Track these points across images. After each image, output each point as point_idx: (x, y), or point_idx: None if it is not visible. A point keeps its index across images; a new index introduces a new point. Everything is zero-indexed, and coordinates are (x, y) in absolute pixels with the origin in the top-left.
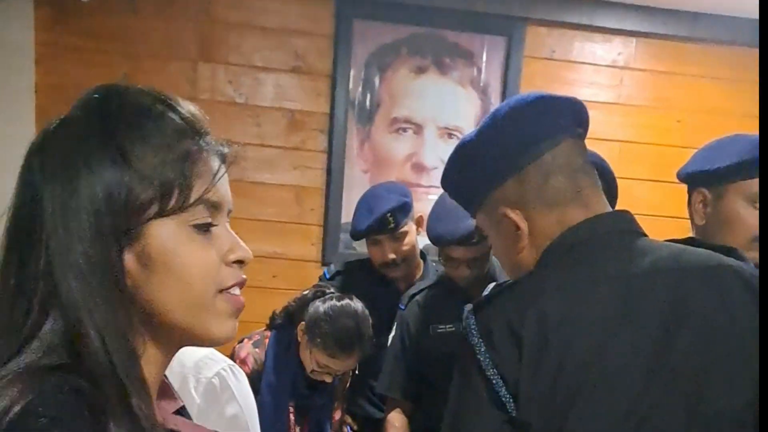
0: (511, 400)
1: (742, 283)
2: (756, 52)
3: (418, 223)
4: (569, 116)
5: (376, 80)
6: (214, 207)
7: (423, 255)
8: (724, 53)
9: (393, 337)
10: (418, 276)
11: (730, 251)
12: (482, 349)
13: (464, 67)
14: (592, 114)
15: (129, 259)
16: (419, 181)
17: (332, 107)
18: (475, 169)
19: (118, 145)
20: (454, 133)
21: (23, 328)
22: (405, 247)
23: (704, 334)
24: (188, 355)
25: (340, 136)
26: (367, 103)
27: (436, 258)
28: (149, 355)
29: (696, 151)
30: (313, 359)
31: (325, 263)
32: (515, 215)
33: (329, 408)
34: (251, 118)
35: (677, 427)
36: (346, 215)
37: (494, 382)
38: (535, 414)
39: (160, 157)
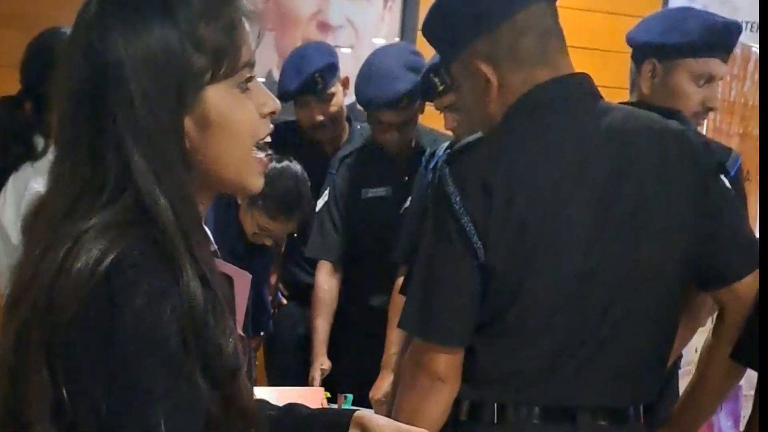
0: (481, 247)
1: (680, 146)
2: None
3: (344, 83)
4: None
5: None
6: (252, 66)
7: (349, 118)
8: None
9: (323, 201)
10: (344, 139)
11: (673, 114)
12: (457, 199)
13: None
14: None
15: (188, 123)
16: (325, 40)
17: None
18: (453, 23)
19: (169, 11)
20: None
21: (101, 199)
22: (333, 108)
23: (644, 192)
24: None
25: None
26: None
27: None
28: (199, 205)
29: (647, 18)
30: (254, 222)
31: None
32: (486, 69)
33: (267, 272)
34: None
35: (620, 276)
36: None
37: (467, 229)
38: (501, 260)
39: (211, 26)
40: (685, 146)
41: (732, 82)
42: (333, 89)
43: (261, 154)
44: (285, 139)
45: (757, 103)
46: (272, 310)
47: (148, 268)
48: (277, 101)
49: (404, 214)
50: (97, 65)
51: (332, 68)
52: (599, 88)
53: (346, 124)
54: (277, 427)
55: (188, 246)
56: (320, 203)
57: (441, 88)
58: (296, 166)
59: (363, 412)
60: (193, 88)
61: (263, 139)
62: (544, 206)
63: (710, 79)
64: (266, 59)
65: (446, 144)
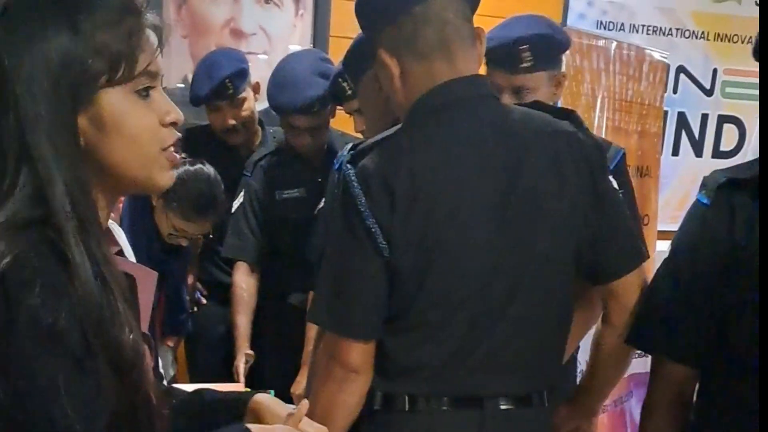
0: (386, 246)
1: (571, 146)
2: None
3: (255, 89)
4: None
5: None
6: (152, 75)
7: (261, 122)
8: None
9: (239, 202)
10: (257, 143)
11: (568, 115)
12: (362, 200)
13: None
14: None
15: (83, 122)
16: (239, 47)
17: None
18: (364, 17)
19: (71, 19)
20: None
21: (1, 185)
22: (244, 113)
23: (539, 189)
24: None
25: (156, 0)
26: None
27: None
28: (100, 204)
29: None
30: (170, 223)
31: None
32: (390, 61)
33: (184, 272)
34: None
35: (519, 271)
36: (166, 81)
37: (372, 229)
38: (405, 258)
39: (110, 33)
40: (576, 146)
41: (628, 82)
42: (244, 94)
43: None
44: (199, 143)
45: (653, 101)
46: (192, 310)
47: (43, 269)
48: (180, 112)
49: (319, 215)
50: (0, 65)
51: (242, 74)
52: None
53: (259, 128)
54: (184, 410)
55: (84, 242)
56: (235, 205)
57: (349, 92)
58: (209, 169)
59: (261, 397)
60: (88, 89)
61: (170, 146)
62: (446, 205)
63: (514, 90)
64: (181, 65)
65: (349, 145)
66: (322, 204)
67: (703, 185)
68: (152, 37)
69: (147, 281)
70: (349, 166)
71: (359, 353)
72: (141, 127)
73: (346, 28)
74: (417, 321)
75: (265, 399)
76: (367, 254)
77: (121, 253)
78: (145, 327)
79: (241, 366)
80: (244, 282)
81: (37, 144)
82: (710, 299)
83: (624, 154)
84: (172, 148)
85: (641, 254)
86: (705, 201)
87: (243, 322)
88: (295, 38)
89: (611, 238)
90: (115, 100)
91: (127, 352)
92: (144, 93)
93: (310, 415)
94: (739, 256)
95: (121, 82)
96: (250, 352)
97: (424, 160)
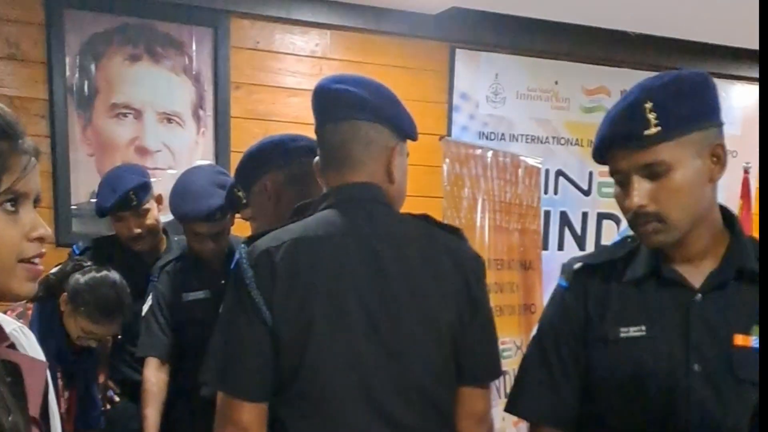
0: (270, 316)
1: (449, 251)
2: (432, 44)
3: (158, 200)
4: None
5: (92, 67)
6: (18, 194)
7: (165, 231)
8: (407, 45)
9: (148, 305)
10: (162, 250)
11: (455, 229)
12: (249, 274)
13: (176, 55)
14: (297, 101)
15: None
16: (144, 163)
17: (51, 93)
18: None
19: None
20: (173, 117)
21: None
22: (149, 221)
23: (413, 277)
24: None
25: (62, 122)
26: (85, 89)
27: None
28: None
29: None
30: (78, 326)
31: (59, 244)
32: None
33: (94, 371)
34: None
35: (393, 342)
36: (75, 197)
37: (257, 300)
38: (285, 329)
39: None
40: (456, 252)
41: (506, 186)
42: (147, 205)
43: (36, 261)
44: (106, 252)
45: (530, 202)
46: (105, 407)
47: None
48: (48, 230)
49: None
50: None
51: (145, 187)
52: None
53: (164, 237)
54: None
55: None
56: (145, 308)
57: (244, 201)
58: (114, 275)
59: None
60: None
61: (31, 258)
62: (323, 281)
63: None
64: (88, 181)
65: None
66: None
67: (563, 270)
68: (25, 160)
69: (36, 369)
70: (242, 246)
71: (249, 413)
72: (1, 239)
73: (245, 144)
74: (300, 391)
75: None
76: (253, 322)
77: (12, 346)
78: (35, 412)
79: None
80: (153, 377)
81: None
82: (575, 370)
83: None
84: (38, 260)
85: (498, 373)
86: (564, 284)
87: (151, 413)
88: (198, 154)
89: (478, 344)
90: None
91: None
92: (9, 207)
93: None
94: (590, 332)
95: None
96: None
97: (309, 244)
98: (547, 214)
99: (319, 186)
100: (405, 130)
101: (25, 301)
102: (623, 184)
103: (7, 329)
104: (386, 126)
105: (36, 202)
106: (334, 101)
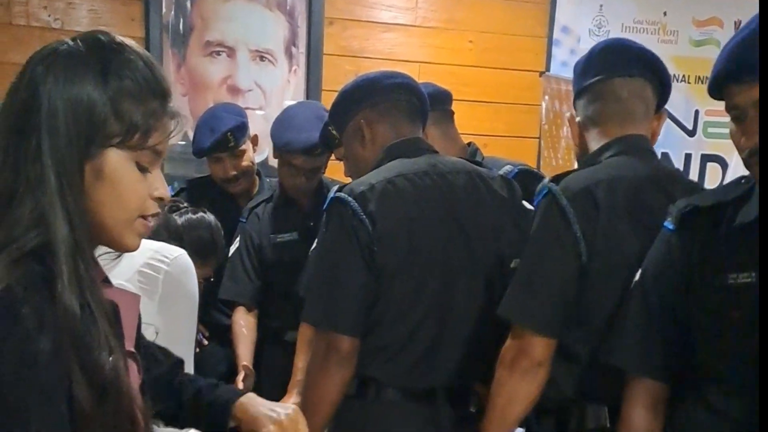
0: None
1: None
2: None
3: (254, 141)
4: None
5: (188, 4)
6: (158, 153)
7: (259, 172)
8: None
9: (235, 247)
10: (254, 192)
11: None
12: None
13: None
14: (391, 36)
15: (88, 168)
16: (236, 102)
17: (147, 31)
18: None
19: (106, 82)
20: (266, 55)
21: (11, 201)
22: (244, 163)
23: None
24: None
25: (157, 61)
26: (181, 27)
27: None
28: None
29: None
30: None
31: None
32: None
33: None
34: None
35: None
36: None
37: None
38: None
39: (133, 105)
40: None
41: None
42: (244, 146)
43: (150, 221)
44: (200, 192)
45: None
46: (195, 350)
47: (29, 299)
48: (167, 192)
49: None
50: (34, 100)
51: (243, 127)
52: (491, 137)
53: (257, 179)
54: (181, 391)
55: (75, 267)
56: (232, 249)
57: (338, 140)
58: (210, 217)
59: (245, 400)
60: (101, 141)
61: (149, 216)
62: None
63: None
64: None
65: (336, 187)
66: (314, 246)
67: (669, 213)
68: (168, 122)
69: (131, 304)
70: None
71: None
72: (132, 192)
73: (337, 82)
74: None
75: (250, 401)
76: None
77: (106, 279)
78: (131, 346)
79: (240, 382)
80: (243, 320)
81: (48, 171)
82: (675, 317)
83: (518, 171)
84: (151, 218)
85: None
86: (670, 227)
87: (244, 351)
88: (289, 93)
89: None
90: (119, 160)
91: (105, 373)
92: (144, 167)
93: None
94: (694, 277)
95: (129, 149)
96: (250, 367)
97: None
98: None
99: (410, 125)
100: (666, 99)
101: None
102: (740, 120)
103: (177, 252)
104: (657, 92)
105: None
106: (626, 56)
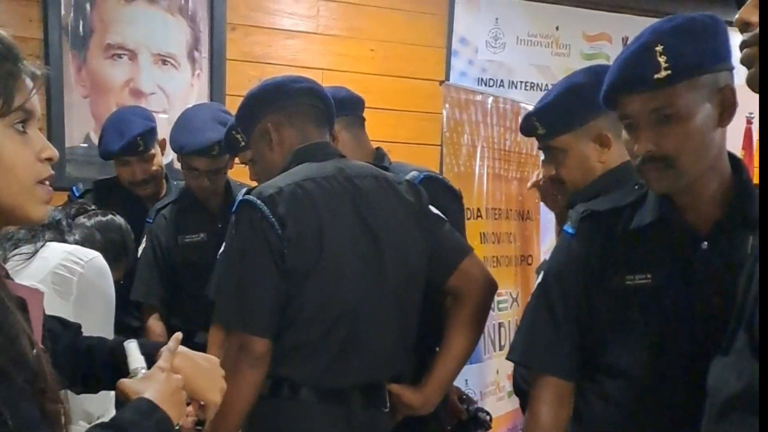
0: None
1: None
2: None
3: (162, 145)
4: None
5: (87, 6)
6: (27, 112)
7: (166, 175)
8: None
9: (143, 248)
10: (162, 195)
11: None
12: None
13: None
14: (294, 43)
15: None
16: (139, 105)
17: (46, 32)
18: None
19: None
20: (168, 59)
21: None
22: (153, 168)
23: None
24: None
25: (56, 62)
26: (80, 29)
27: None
28: None
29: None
30: None
31: (54, 188)
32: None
33: None
34: None
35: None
36: (69, 140)
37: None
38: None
39: None
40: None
41: (506, 133)
42: (153, 151)
43: (47, 184)
44: (108, 195)
45: (530, 150)
46: None
47: None
48: (54, 150)
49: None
50: None
51: (152, 132)
52: (395, 143)
53: (164, 182)
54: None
55: None
56: (140, 250)
57: (243, 144)
58: (119, 219)
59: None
60: None
61: (44, 179)
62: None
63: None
64: (83, 124)
65: (244, 189)
66: (223, 247)
67: (569, 217)
68: (28, 81)
69: (35, 300)
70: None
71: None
72: (17, 158)
73: (241, 87)
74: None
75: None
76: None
77: (7, 274)
78: (39, 341)
79: None
80: (157, 326)
81: None
82: (577, 317)
83: (423, 177)
84: (47, 183)
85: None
86: (570, 231)
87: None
88: (193, 97)
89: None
90: None
91: (31, 364)
92: (21, 128)
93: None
94: (594, 279)
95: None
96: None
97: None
98: None
99: (317, 129)
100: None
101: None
102: (632, 128)
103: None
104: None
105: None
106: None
